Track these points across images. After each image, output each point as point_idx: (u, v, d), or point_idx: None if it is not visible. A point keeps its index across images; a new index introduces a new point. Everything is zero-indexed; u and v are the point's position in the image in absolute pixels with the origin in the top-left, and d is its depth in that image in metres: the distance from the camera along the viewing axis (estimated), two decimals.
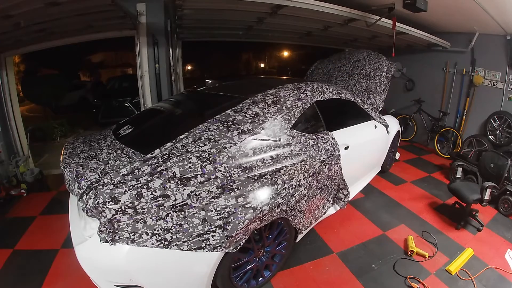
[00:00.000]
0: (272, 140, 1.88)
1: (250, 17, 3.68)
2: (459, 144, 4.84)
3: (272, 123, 1.94)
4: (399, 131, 4.01)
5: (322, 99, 2.44)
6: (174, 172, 1.52)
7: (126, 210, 1.41)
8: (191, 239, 1.46)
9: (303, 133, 2.13)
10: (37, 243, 2.42)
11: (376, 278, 2.11)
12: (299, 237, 2.19)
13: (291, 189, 1.86)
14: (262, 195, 1.68)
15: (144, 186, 1.46)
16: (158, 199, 1.46)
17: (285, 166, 1.87)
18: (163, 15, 3.89)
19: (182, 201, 1.48)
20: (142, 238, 1.40)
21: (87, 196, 1.42)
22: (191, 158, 1.59)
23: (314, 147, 2.14)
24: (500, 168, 2.86)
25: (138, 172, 1.51)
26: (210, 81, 2.97)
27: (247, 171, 1.69)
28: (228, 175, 1.62)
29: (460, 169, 3.51)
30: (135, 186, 1.45)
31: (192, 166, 1.56)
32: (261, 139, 1.84)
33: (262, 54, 17.07)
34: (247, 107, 1.95)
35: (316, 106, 2.36)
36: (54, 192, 3.35)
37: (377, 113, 3.38)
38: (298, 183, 1.92)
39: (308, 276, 2.12)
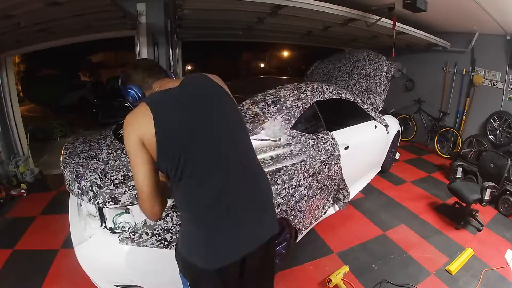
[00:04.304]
0: (272, 140, 1.88)
1: (250, 17, 3.67)
2: (459, 144, 4.84)
3: (272, 123, 1.94)
4: (399, 131, 4.01)
5: (322, 99, 2.43)
6: None
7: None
8: None
9: (303, 133, 2.13)
10: (37, 243, 2.41)
11: (376, 278, 2.10)
12: (299, 237, 2.19)
13: (291, 189, 1.86)
14: None
15: None
16: None
17: (285, 166, 1.87)
18: (163, 15, 3.89)
19: None
20: (142, 238, 1.40)
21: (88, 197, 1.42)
22: None
23: (314, 147, 2.13)
24: (500, 168, 2.86)
25: None
26: None
27: None
28: None
29: (460, 169, 3.51)
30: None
31: None
32: (261, 139, 1.84)
33: (262, 54, 17.08)
34: (247, 107, 1.95)
35: (316, 106, 2.36)
36: (54, 192, 3.35)
37: (377, 113, 3.38)
38: (298, 183, 1.92)
39: (308, 276, 2.12)
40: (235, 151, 0.96)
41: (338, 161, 2.34)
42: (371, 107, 3.33)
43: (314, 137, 2.20)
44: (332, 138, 2.34)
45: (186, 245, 0.97)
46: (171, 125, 0.87)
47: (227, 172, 0.93)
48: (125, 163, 1.63)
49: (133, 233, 1.40)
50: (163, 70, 1.08)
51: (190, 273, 0.98)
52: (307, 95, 2.31)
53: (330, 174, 2.29)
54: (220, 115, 0.95)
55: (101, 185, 1.45)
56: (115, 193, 1.42)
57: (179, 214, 1.46)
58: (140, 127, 0.85)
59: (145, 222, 1.42)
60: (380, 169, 3.73)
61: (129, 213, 1.47)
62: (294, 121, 2.08)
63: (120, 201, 1.41)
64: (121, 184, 1.45)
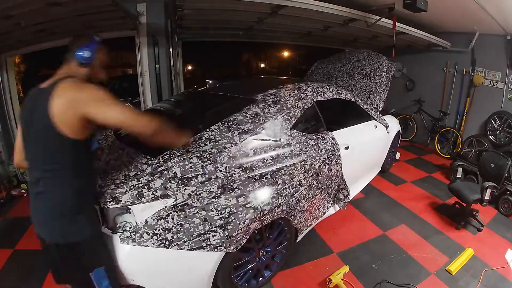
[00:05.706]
0: (272, 140, 1.88)
1: (250, 17, 3.68)
2: (459, 144, 4.84)
3: (272, 123, 1.94)
4: (399, 131, 4.01)
5: (322, 99, 2.44)
6: (175, 172, 1.52)
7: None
8: (191, 238, 1.46)
9: (304, 133, 2.13)
10: (38, 243, 2.39)
11: (376, 278, 2.10)
12: (300, 237, 2.19)
13: (292, 189, 1.86)
14: (262, 195, 1.68)
15: (145, 186, 1.46)
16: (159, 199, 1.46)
17: (285, 166, 1.87)
18: (164, 15, 3.89)
19: (183, 201, 1.49)
20: (143, 238, 1.41)
21: None
22: (191, 158, 1.59)
23: (315, 147, 2.14)
24: (500, 168, 2.86)
25: (139, 172, 1.51)
26: (211, 81, 2.97)
27: (247, 171, 1.69)
28: (228, 175, 1.62)
29: (460, 169, 3.52)
30: (136, 186, 1.45)
31: (193, 166, 1.56)
32: (262, 139, 1.84)
33: (263, 54, 17.07)
34: (248, 107, 1.96)
35: (316, 106, 2.36)
36: None
37: (377, 113, 3.38)
38: (298, 183, 1.93)
39: (308, 276, 2.12)
40: None
41: (338, 161, 2.34)
42: (372, 107, 3.33)
43: (314, 137, 2.20)
44: (332, 138, 2.34)
45: None
46: None
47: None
48: (126, 163, 1.63)
49: (134, 233, 1.41)
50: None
51: None
52: (307, 95, 2.31)
53: (330, 174, 2.29)
54: None
55: (102, 185, 1.45)
56: (116, 193, 1.42)
57: (180, 213, 1.47)
58: None
59: (146, 222, 1.43)
60: (380, 169, 3.73)
61: (130, 212, 1.47)
62: (294, 121, 2.08)
63: (121, 201, 1.41)
64: (122, 184, 1.45)
